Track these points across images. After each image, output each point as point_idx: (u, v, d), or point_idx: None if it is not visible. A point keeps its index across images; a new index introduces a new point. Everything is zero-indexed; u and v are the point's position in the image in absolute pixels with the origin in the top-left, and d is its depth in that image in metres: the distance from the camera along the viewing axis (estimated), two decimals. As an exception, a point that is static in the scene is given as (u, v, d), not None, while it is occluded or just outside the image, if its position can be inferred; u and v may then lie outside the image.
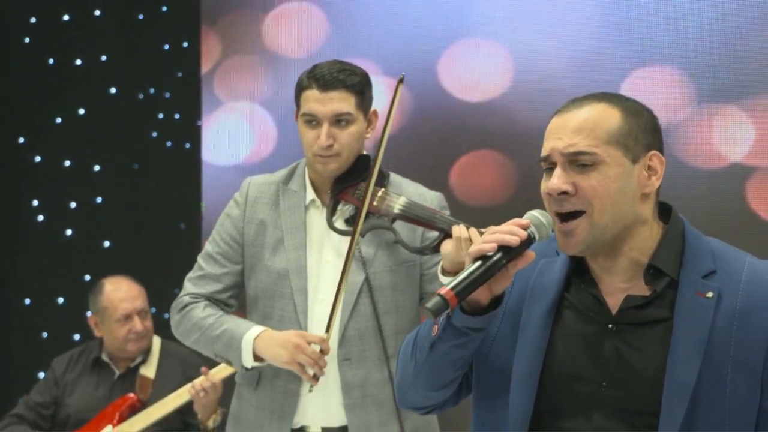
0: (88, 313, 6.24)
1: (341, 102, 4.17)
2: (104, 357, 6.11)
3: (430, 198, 4.27)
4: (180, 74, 7.95)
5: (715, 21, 6.89)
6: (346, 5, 7.41)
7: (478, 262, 2.76)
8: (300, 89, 4.24)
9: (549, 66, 7.14)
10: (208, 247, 4.41)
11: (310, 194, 4.33)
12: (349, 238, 4.19)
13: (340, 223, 4.22)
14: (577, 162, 2.82)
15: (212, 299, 4.34)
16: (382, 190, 4.17)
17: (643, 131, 2.88)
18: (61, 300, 7.99)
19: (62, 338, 7.74)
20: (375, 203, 4.15)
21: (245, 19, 7.52)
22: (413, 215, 4.11)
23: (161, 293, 6.85)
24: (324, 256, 4.30)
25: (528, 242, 2.80)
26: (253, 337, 4.16)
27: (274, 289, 4.29)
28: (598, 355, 2.86)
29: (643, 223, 2.88)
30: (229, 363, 4.30)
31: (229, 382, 5.48)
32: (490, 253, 2.76)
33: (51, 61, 8.01)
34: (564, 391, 2.88)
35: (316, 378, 4.08)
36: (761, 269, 2.89)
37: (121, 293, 6.08)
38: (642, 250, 2.88)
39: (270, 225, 4.33)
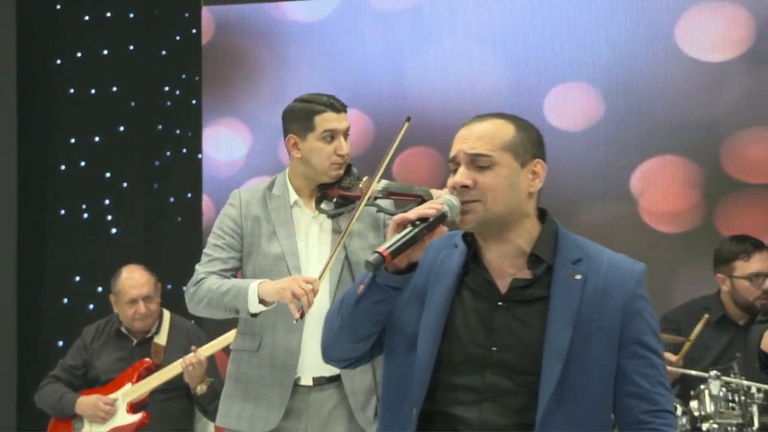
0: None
1: (347, 120, 4.40)
2: (123, 329, 6.21)
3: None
4: (184, 101, 8.09)
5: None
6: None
7: (408, 228, 2.85)
8: (311, 114, 4.35)
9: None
10: (213, 240, 4.44)
11: (294, 196, 4.43)
12: (331, 223, 4.36)
13: (326, 206, 4.36)
14: (477, 163, 2.96)
15: (219, 275, 4.35)
16: (366, 178, 4.27)
17: (531, 143, 3.03)
18: (78, 278, 8.09)
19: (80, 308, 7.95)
20: (361, 188, 4.26)
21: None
22: (393, 190, 4.26)
23: (169, 274, 7.03)
24: (309, 243, 4.40)
25: (442, 218, 2.89)
26: (257, 284, 4.20)
27: (272, 269, 4.34)
28: (489, 326, 2.96)
29: (527, 216, 3.02)
30: (237, 312, 4.25)
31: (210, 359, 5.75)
32: (417, 223, 2.86)
33: (81, 89, 8.15)
34: (461, 353, 2.96)
35: (301, 314, 4.04)
36: (616, 259, 3.04)
37: (131, 281, 6.15)
38: (525, 240, 3.00)
39: (263, 220, 4.40)
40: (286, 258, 4.37)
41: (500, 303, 3.00)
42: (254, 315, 4.26)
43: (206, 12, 7.87)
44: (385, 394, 3.11)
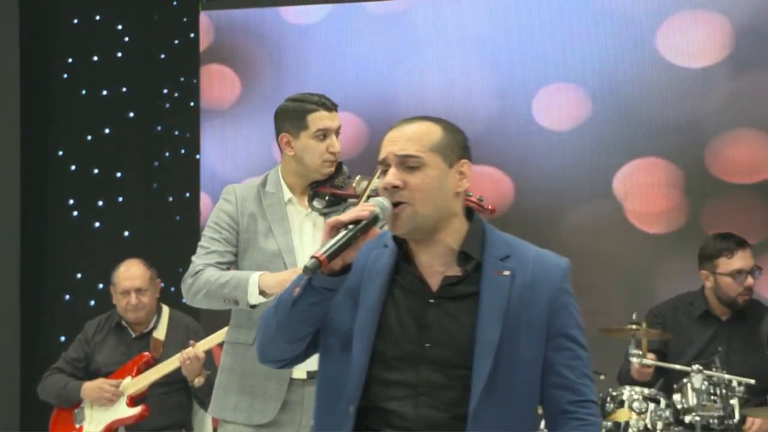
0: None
1: (338, 119, 4.40)
2: (123, 323, 6.20)
3: None
4: (182, 102, 8.13)
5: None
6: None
7: (342, 232, 2.86)
8: (304, 113, 4.35)
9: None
10: (209, 233, 4.40)
11: (288, 194, 4.41)
12: (323, 221, 4.27)
13: (318, 203, 4.36)
14: (407, 164, 2.96)
15: (216, 267, 4.31)
16: (358, 177, 4.32)
17: (457, 145, 3.04)
18: (80, 275, 8.07)
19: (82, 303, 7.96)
20: (354, 186, 4.31)
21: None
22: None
23: (168, 271, 7.03)
24: (304, 240, 4.38)
25: (374, 220, 2.90)
26: (257, 276, 4.18)
27: (268, 266, 4.29)
28: (422, 323, 2.97)
29: (455, 216, 3.02)
30: (236, 303, 4.22)
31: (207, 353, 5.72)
32: (350, 226, 2.88)
33: (83, 91, 8.18)
34: (395, 350, 2.97)
35: None
36: (543, 254, 3.07)
37: (126, 273, 6.19)
38: (454, 239, 3.01)
39: (259, 217, 4.37)
40: (283, 255, 4.35)
41: (432, 300, 3.00)
42: (253, 306, 4.24)
43: (204, 17, 7.93)
44: (320, 392, 3.09)
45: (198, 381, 5.82)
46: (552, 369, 3.02)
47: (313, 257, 2.84)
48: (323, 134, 4.37)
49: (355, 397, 2.97)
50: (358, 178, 4.34)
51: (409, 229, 2.98)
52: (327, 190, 4.38)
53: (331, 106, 4.41)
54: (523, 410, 3.00)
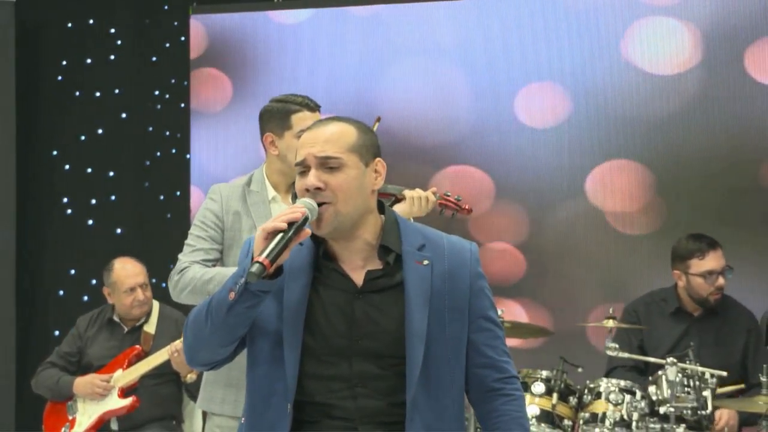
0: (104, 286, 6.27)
1: None
2: (115, 318, 6.20)
3: None
4: (173, 103, 8.10)
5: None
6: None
7: (279, 236, 2.82)
8: (288, 113, 4.33)
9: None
10: (195, 231, 4.38)
11: (272, 192, 4.39)
12: None
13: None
14: (327, 165, 2.94)
15: (202, 265, 4.29)
16: None
17: (372, 144, 3.02)
18: (73, 271, 8.07)
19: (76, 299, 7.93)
20: None
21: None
22: None
23: (159, 267, 7.07)
24: None
25: (305, 221, 2.87)
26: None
27: None
28: (350, 317, 2.95)
29: (371, 212, 3.01)
30: None
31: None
32: (285, 229, 2.84)
33: (77, 93, 8.18)
34: (325, 345, 2.94)
35: None
36: (453, 241, 3.09)
37: (126, 271, 6.17)
38: (372, 234, 3.00)
39: (243, 215, 4.36)
40: None
41: (357, 294, 2.99)
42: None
43: (194, 20, 7.91)
44: (251, 392, 3.05)
45: (190, 377, 5.79)
46: (476, 349, 3.05)
47: (256, 262, 2.81)
48: None
49: (290, 394, 2.94)
50: None
51: (332, 228, 2.96)
52: None
53: (314, 107, 4.39)
54: (456, 392, 3.03)
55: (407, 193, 4.17)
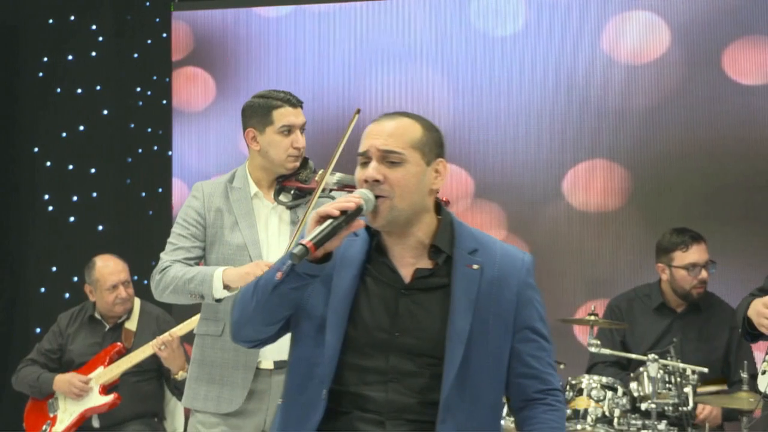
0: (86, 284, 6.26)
1: (303, 115, 4.38)
2: (97, 315, 6.17)
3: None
4: (155, 100, 8.06)
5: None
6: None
7: (329, 221, 2.86)
8: (269, 109, 4.33)
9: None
10: (177, 230, 4.39)
11: (254, 188, 4.39)
12: (289, 214, 4.31)
13: (285, 197, 4.34)
14: (388, 159, 2.95)
15: (184, 263, 4.32)
16: (321, 171, 4.28)
17: (435, 143, 3.04)
18: (55, 268, 7.99)
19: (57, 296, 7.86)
20: (317, 179, 4.29)
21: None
22: (347, 183, 4.25)
23: (141, 265, 7.07)
24: (269, 233, 4.36)
25: (359, 211, 2.90)
26: (221, 271, 4.17)
27: (234, 258, 4.29)
28: (393, 312, 2.98)
29: (427, 212, 3.03)
30: (202, 298, 4.21)
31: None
32: (337, 216, 2.87)
33: (58, 89, 8.12)
34: (366, 337, 2.98)
35: None
36: (508, 249, 3.09)
37: (108, 268, 6.14)
38: (426, 233, 3.02)
39: (225, 212, 4.36)
40: (248, 247, 4.33)
41: (404, 291, 3.01)
42: (218, 300, 4.24)
43: (176, 17, 7.89)
44: (292, 372, 3.08)
45: (181, 375, 5.74)
46: (519, 359, 3.05)
47: (300, 244, 2.85)
48: (288, 129, 4.36)
49: (328, 379, 2.96)
50: (321, 171, 4.31)
51: (386, 222, 2.97)
52: (292, 184, 4.38)
53: (296, 103, 4.40)
54: (492, 398, 3.02)
55: None
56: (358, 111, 4.27)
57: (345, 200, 2.90)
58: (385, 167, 2.96)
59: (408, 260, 3.03)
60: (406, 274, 3.02)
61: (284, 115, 4.36)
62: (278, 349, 4.13)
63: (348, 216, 2.88)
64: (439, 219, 3.06)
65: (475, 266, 3.00)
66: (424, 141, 3.01)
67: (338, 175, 4.31)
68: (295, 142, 4.35)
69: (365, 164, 3.00)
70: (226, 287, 4.19)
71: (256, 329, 3.09)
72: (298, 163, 4.38)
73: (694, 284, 5.81)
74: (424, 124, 3.05)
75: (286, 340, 4.14)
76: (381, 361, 2.97)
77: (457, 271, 2.99)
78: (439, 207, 3.09)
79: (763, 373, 4.24)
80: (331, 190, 4.31)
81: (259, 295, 3.01)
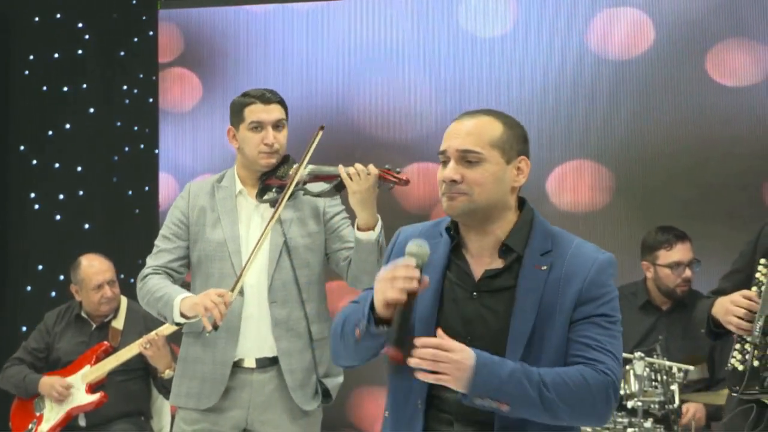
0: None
1: (278, 112, 4.37)
2: (83, 314, 6.17)
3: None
4: (141, 99, 8.06)
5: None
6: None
7: (398, 314, 2.81)
8: (242, 107, 4.37)
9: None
10: (162, 231, 4.47)
11: (239, 186, 4.42)
12: (271, 212, 4.28)
13: (268, 196, 4.34)
14: (466, 158, 2.92)
15: (167, 269, 4.39)
16: (295, 165, 4.29)
17: (517, 141, 3.00)
18: (41, 267, 7.99)
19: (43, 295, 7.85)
20: (290, 174, 4.27)
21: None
22: (317, 173, 4.25)
23: (127, 263, 7.07)
24: (251, 229, 4.37)
25: (420, 272, 2.84)
26: (180, 299, 4.21)
27: (214, 254, 4.35)
28: (465, 317, 2.94)
29: (508, 209, 2.99)
30: (166, 319, 4.32)
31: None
32: (402, 300, 2.81)
33: (44, 88, 8.10)
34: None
35: (214, 326, 4.09)
36: (584, 248, 3.00)
37: (93, 268, 6.12)
38: (504, 231, 2.98)
39: (208, 210, 4.41)
40: (227, 243, 4.35)
41: (474, 293, 2.97)
42: (178, 324, 4.35)
43: (163, 15, 7.87)
44: (392, 389, 3.07)
45: (168, 373, 5.72)
46: (570, 347, 2.93)
47: (389, 356, 2.83)
48: (257, 126, 4.37)
49: (422, 390, 2.96)
50: (294, 166, 4.32)
51: (461, 213, 2.96)
52: (273, 182, 4.38)
53: (269, 99, 4.40)
54: None
55: (342, 170, 4.16)
56: (322, 128, 4.27)
57: (404, 277, 2.83)
58: (463, 167, 2.94)
59: (485, 259, 2.99)
60: (478, 274, 2.98)
61: (254, 111, 4.37)
62: (258, 347, 4.33)
63: (415, 295, 2.83)
64: (518, 217, 3.02)
65: (544, 267, 2.94)
66: (504, 139, 2.98)
67: (310, 167, 4.30)
68: (264, 138, 4.35)
69: (445, 164, 2.97)
70: (183, 315, 4.22)
71: (352, 362, 3.11)
72: (272, 160, 4.38)
73: (678, 282, 5.82)
74: (506, 121, 3.02)
75: (268, 336, 4.27)
76: None
77: (525, 271, 2.94)
78: (523, 205, 3.05)
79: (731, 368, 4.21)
80: (305, 183, 4.30)
81: (346, 341, 3.01)
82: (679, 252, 5.82)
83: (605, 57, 7.10)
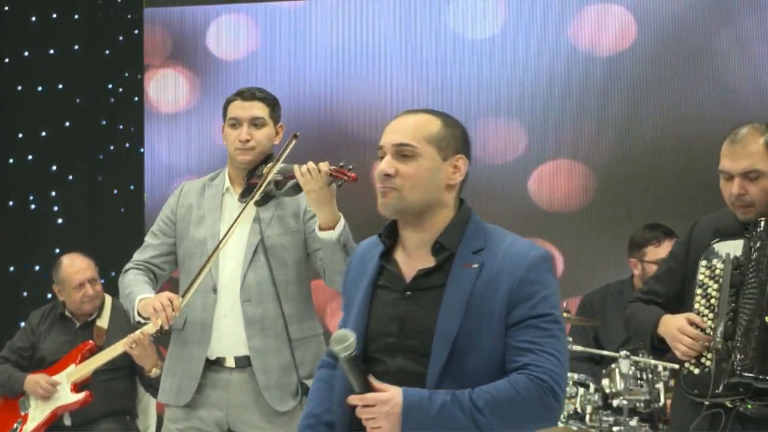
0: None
1: (257, 110, 4.36)
2: (67, 313, 6.15)
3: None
4: (127, 98, 8.04)
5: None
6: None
7: (349, 371, 2.89)
8: (227, 104, 4.41)
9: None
10: (153, 227, 4.52)
11: (227, 183, 4.43)
12: (251, 211, 4.30)
13: (249, 194, 4.31)
14: (401, 152, 2.95)
15: (150, 264, 4.45)
16: (269, 165, 4.29)
17: (455, 139, 3.01)
18: (26, 266, 7.98)
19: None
20: (264, 172, 4.26)
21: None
22: (286, 173, 4.22)
23: (113, 262, 6.83)
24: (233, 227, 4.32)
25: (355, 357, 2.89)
26: (139, 299, 4.27)
27: (195, 252, 4.37)
28: (397, 316, 2.98)
29: (444, 207, 2.99)
30: (133, 318, 4.36)
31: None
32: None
33: (30, 86, 8.09)
34: (377, 343, 3.00)
35: (160, 329, 4.17)
36: (517, 245, 2.98)
37: (74, 267, 6.11)
38: (438, 229, 2.99)
39: (195, 207, 4.43)
40: (207, 242, 4.36)
41: (407, 292, 2.99)
42: (138, 323, 4.40)
43: (148, 14, 7.85)
44: (337, 386, 3.10)
45: (154, 372, 5.62)
46: (509, 352, 2.91)
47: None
48: (234, 122, 4.39)
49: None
50: (268, 166, 4.31)
51: (393, 210, 2.99)
52: (255, 181, 4.36)
53: (248, 96, 4.40)
54: None
55: (296, 169, 4.15)
56: (296, 136, 4.25)
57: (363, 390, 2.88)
58: (398, 161, 2.96)
59: (422, 257, 3.00)
60: (412, 273, 3.00)
61: (233, 108, 4.40)
62: (234, 346, 4.34)
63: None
64: (454, 215, 3.03)
65: (474, 265, 2.93)
66: (441, 136, 2.99)
67: (280, 166, 4.28)
68: (240, 135, 4.35)
69: (382, 159, 3.00)
70: (140, 314, 4.28)
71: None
72: (248, 157, 4.37)
73: (665, 280, 5.80)
74: (445, 120, 3.04)
75: (242, 334, 4.28)
76: (389, 362, 2.97)
77: (455, 270, 2.94)
78: (462, 204, 3.06)
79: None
80: (278, 183, 4.29)
81: None
82: (667, 249, 5.76)
83: (591, 54, 7.11)
